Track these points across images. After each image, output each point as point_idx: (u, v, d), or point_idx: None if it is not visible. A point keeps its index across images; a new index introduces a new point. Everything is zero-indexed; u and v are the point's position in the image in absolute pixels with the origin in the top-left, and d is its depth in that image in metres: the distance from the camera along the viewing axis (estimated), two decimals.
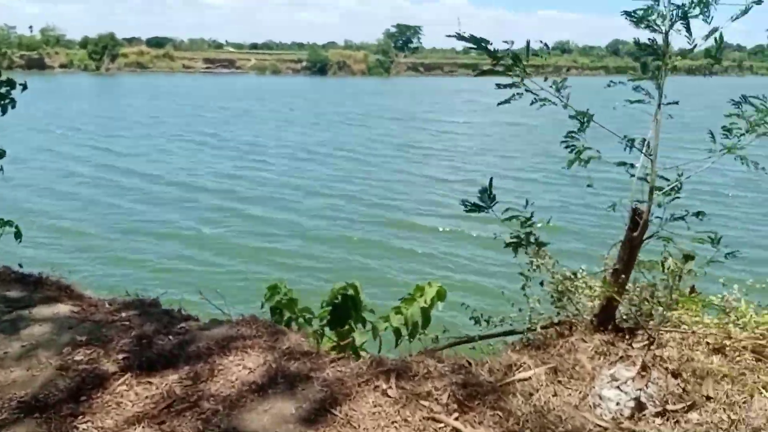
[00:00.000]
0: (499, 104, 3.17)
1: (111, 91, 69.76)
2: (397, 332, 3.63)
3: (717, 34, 2.98)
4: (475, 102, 58.35)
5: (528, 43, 3.01)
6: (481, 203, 3.46)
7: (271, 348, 3.13)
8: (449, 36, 2.86)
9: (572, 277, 3.74)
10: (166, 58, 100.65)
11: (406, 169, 27.58)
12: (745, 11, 2.96)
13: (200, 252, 16.03)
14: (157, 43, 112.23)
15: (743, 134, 3.23)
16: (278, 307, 3.81)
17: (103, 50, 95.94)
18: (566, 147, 3.33)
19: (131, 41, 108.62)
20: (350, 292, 3.59)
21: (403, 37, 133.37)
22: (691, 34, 3.01)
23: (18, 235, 4.64)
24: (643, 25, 3.08)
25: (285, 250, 16.34)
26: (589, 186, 3.36)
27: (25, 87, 4.37)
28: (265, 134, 37.15)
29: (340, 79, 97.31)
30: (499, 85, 3.05)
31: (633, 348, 3.25)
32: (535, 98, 3.08)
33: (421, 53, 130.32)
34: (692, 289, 3.74)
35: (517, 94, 3.02)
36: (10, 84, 4.34)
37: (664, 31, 3.06)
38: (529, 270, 3.76)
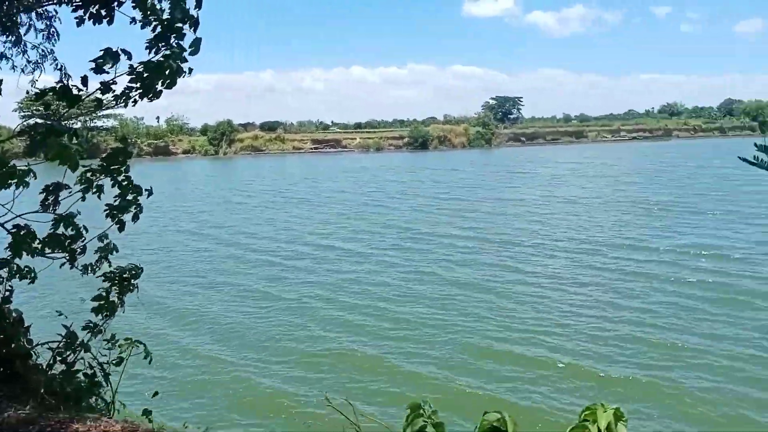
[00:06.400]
0: None
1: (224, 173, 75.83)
2: None
3: None
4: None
5: None
6: None
7: None
8: None
9: None
10: (278, 141, 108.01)
11: None
12: None
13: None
14: (269, 127, 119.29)
15: None
16: None
17: (221, 136, 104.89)
18: None
19: (246, 126, 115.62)
20: (502, 428, 2.68)
21: (503, 109, 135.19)
22: None
23: (147, 353, 4.61)
24: None
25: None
26: None
27: (150, 193, 4.48)
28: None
29: (441, 152, 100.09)
30: None
31: None
32: None
33: (521, 123, 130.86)
34: None
35: None
36: (137, 191, 4.41)
37: None
38: None
